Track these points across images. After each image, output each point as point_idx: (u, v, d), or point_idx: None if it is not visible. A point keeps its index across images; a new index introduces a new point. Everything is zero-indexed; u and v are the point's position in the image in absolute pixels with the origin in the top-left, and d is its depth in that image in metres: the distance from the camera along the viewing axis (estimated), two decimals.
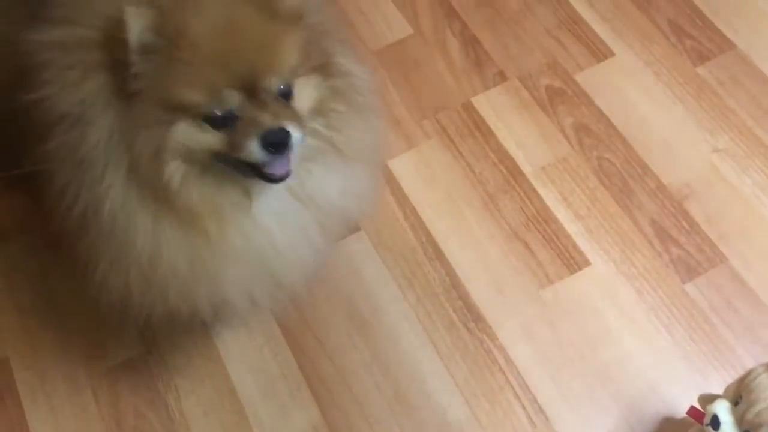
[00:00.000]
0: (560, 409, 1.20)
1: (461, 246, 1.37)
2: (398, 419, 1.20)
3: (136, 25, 0.77)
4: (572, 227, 1.37)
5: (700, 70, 1.54)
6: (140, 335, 1.27)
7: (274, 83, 0.85)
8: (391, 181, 1.43)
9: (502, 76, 1.55)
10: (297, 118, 0.85)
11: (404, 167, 1.46)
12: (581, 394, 1.21)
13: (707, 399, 1.03)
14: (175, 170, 0.84)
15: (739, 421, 0.93)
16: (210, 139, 0.83)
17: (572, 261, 1.34)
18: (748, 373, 0.97)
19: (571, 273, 1.33)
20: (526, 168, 1.44)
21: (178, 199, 0.85)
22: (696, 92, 1.51)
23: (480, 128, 1.49)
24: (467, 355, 1.25)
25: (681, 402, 1.15)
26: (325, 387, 1.23)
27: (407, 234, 1.38)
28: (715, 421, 0.95)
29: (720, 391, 1.04)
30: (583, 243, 1.36)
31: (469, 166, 1.45)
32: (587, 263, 1.34)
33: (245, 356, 1.25)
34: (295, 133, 0.84)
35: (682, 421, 1.16)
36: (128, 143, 0.82)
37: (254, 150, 0.83)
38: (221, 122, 0.83)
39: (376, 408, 1.21)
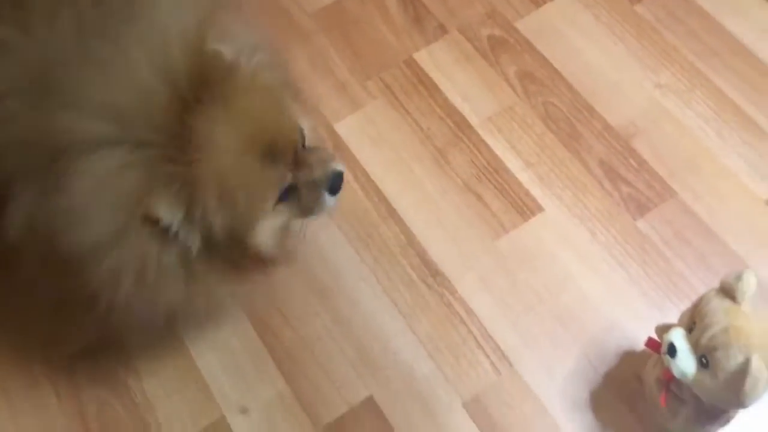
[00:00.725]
0: (523, 354, 1.21)
1: (414, 203, 1.36)
2: (364, 380, 1.20)
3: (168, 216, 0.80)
4: (523, 175, 1.38)
5: (638, 8, 1.54)
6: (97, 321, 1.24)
7: (300, 140, 0.92)
8: (338, 144, 1.42)
9: (442, 30, 1.53)
10: (324, 152, 0.97)
11: (351, 129, 1.44)
12: (542, 337, 1.22)
13: (664, 329, 1.04)
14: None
15: (695, 346, 0.95)
16: (286, 215, 0.94)
17: (525, 208, 1.34)
18: (701, 299, 0.98)
19: (525, 220, 1.33)
20: (474, 120, 1.44)
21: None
22: (636, 31, 1.51)
23: (424, 84, 1.48)
24: (428, 311, 1.25)
25: (640, 336, 1.16)
26: (288, 356, 1.22)
27: (359, 196, 1.37)
28: (672, 349, 0.96)
29: (676, 320, 1.06)
30: (535, 189, 1.36)
31: (416, 123, 1.44)
32: (540, 209, 1.34)
33: (205, 332, 1.23)
34: (339, 165, 0.97)
35: (642, 353, 1.18)
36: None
37: (327, 200, 0.96)
38: (286, 196, 0.91)
39: (342, 372, 1.21)
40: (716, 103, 1.43)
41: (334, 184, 0.95)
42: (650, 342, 1.06)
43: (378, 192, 1.37)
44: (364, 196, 1.37)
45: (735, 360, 0.90)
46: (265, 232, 0.90)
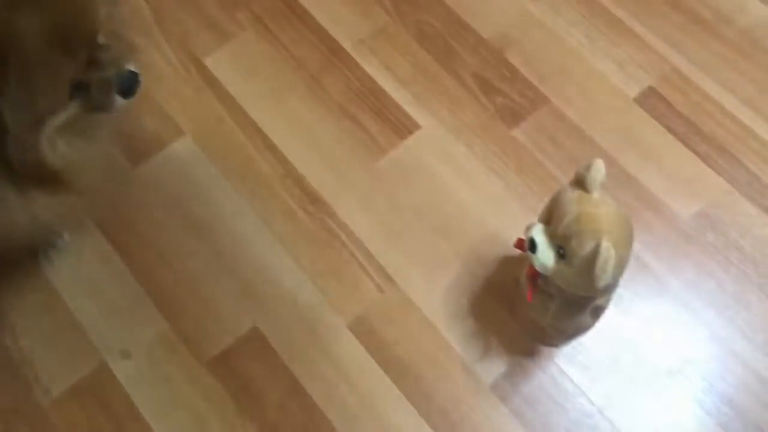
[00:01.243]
0: (407, 271, 1.22)
1: (292, 134, 1.34)
2: (251, 315, 1.19)
3: None
4: (399, 95, 1.36)
5: None
6: None
7: (100, 34, 0.88)
8: (209, 80, 1.38)
9: None
10: (123, 50, 0.93)
11: (222, 64, 1.40)
12: (424, 252, 1.23)
13: (528, 228, 1.05)
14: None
15: (552, 238, 0.96)
16: (72, 111, 0.87)
17: (402, 127, 1.33)
18: (557, 193, 1.00)
19: (403, 139, 1.32)
20: (346, 43, 1.41)
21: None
22: None
23: (294, 11, 1.44)
24: (310, 239, 1.25)
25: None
26: (168, 296, 1.19)
27: (234, 130, 1.34)
28: (532, 245, 0.97)
29: None
30: (411, 108, 1.35)
31: (288, 52, 1.40)
32: (417, 127, 1.33)
33: (80, 281, 1.20)
34: (134, 65, 0.93)
35: (520, 257, 1.20)
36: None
37: (117, 101, 0.92)
38: (77, 93, 0.87)
39: (226, 308, 1.19)
40: (585, 6, 1.43)
41: (126, 85, 0.91)
42: (518, 242, 1.07)
43: (253, 125, 1.34)
44: (240, 132, 1.34)
45: (587, 245, 0.92)
46: (52, 128, 0.85)
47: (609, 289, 1.02)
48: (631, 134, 1.31)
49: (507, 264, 1.21)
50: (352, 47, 1.40)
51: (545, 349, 1.16)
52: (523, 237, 1.07)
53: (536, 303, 1.07)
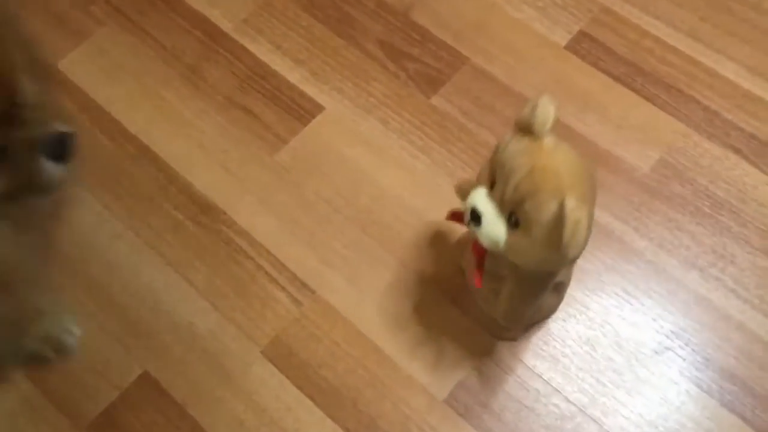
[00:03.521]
0: (327, 277, 1.00)
1: (170, 134, 1.11)
2: (138, 358, 0.94)
3: None
4: (294, 75, 1.15)
5: None
6: None
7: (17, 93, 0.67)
8: (66, 84, 1.14)
9: None
10: (49, 110, 0.72)
11: (79, 66, 1.16)
12: (345, 251, 1.01)
13: (464, 191, 0.85)
14: None
15: (500, 204, 0.76)
16: None
17: (302, 111, 1.12)
18: (497, 147, 0.79)
19: (305, 124, 1.11)
20: (226, 25, 1.20)
21: None
22: None
23: None
24: (204, 254, 1.02)
25: (454, 225, 0.98)
26: None
27: (100, 139, 1.10)
28: (475, 215, 0.77)
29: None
30: (311, 88, 1.14)
31: (158, 43, 1.18)
32: (320, 109, 1.13)
33: None
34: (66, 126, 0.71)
35: (463, 240, 1.00)
36: None
37: (49, 169, 0.69)
38: None
39: (105, 352, 0.95)
40: None
41: (57, 148, 0.70)
42: (452, 215, 0.87)
43: (122, 131, 1.11)
44: (107, 139, 1.10)
45: (547, 207, 0.72)
46: None
47: (573, 262, 0.83)
48: (567, 85, 1.13)
49: (448, 251, 1.01)
50: (233, 29, 1.19)
51: (506, 346, 0.95)
52: (458, 209, 0.87)
53: (485, 290, 0.87)
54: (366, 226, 1.03)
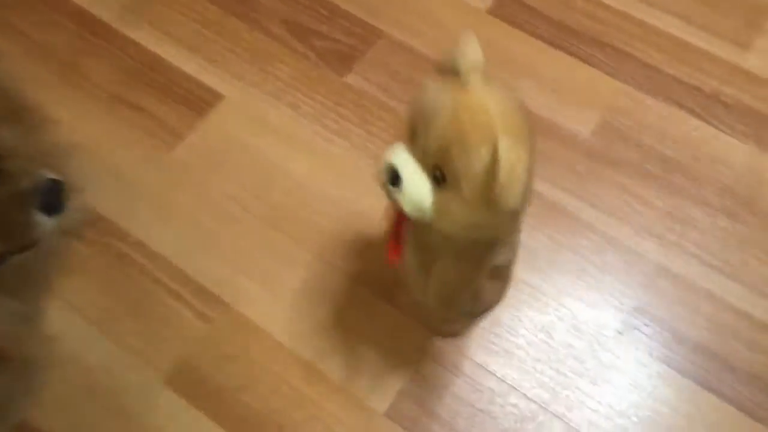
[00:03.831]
0: (238, 285, 0.86)
1: None
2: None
3: None
4: (189, 64, 1.02)
5: None
6: None
7: None
8: None
9: None
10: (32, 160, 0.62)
11: None
12: (259, 256, 0.88)
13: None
14: None
15: (423, 159, 0.63)
16: None
17: (199, 102, 0.99)
18: (416, 96, 0.67)
19: (203, 116, 0.98)
20: (107, 15, 1.06)
21: None
22: None
23: None
24: (92, 274, 0.86)
25: (377, 213, 0.86)
26: None
27: None
28: (393, 175, 0.64)
29: None
30: (208, 77, 1.01)
31: (29, 39, 1.03)
32: (219, 98, 0.99)
33: None
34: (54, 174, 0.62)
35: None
36: None
37: (43, 223, 0.60)
38: None
39: None
40: None
41: (49, 199, 0.60)
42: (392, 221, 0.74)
43: None
44: None
45: (477, 154, 0.60)
46: None
47: (513, 228, 0.71)
48: (495, 52, 1.02)
49: (375, 242, 0.88)
50: (114, 18, 1.05)
51: (451, 343, 0.83)
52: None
53: (412, 271, 0.74)
54: (280, 224, 0.90)
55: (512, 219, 0.65)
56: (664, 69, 1.00)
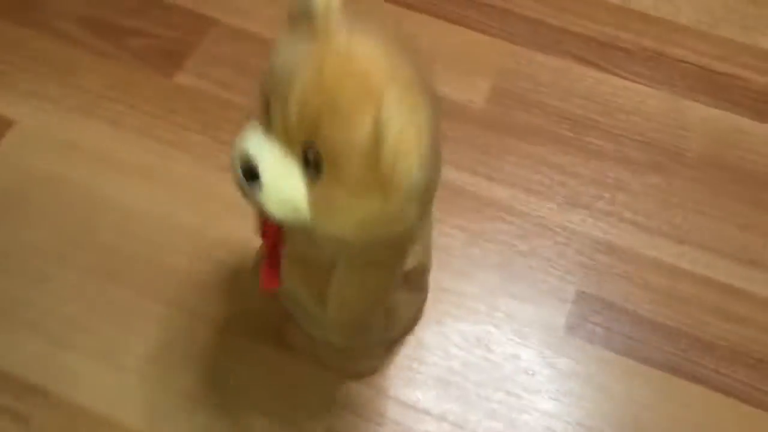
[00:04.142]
0: (62, 362, 0.61)
1: None
2: None
3: None
4: None
5: None
6: None
7: None
8: None
9: None
10: None
11: None
12: (88, 317, 0.64)
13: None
14: None
15: (286, 136, 0.44)
16: None
17: None
18: (266, 69, 0.48)
19: None
20: None
21: None
22: None
23: None
24: None
25: (245, 234, 0.66)
26: None
27: None
28: (249, 168, 0.44)
29: None
30: None
31: None
32: (7, 124, 0.75)
33: None
34: None
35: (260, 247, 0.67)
36: None
37: None
38: None
39: None
40: None
41: None
42: (262, 227, 0.53)
43: None
44: None
45: (359, 122, 0.41)
46: None
47: (422, 217, 0.52)
48: None
49: (248, 274, 0.67)
50: None
51: (367, 383, 0.63)
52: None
53: (298, 297, 0.54)
54: (114, 273, 0.67)
55: (418, 204, 0.46)
56: (548, 21, 0.87)
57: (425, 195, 0.45)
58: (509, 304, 0.68)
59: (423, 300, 0.66)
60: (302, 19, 0.44)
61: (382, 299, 0.55)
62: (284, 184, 0.43)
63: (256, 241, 0.66)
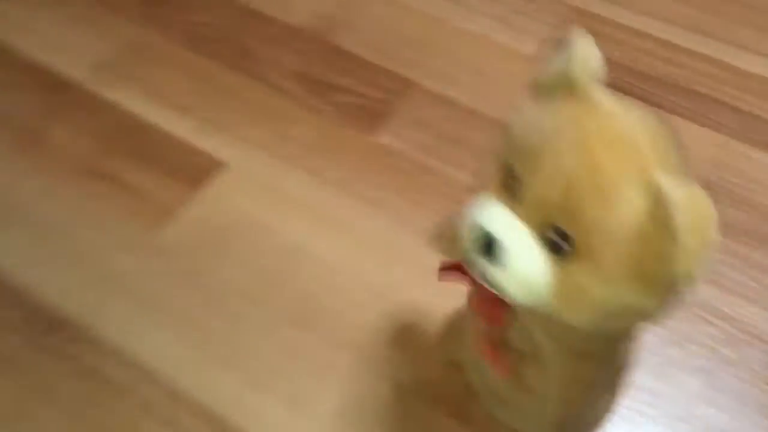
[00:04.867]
0: (254, 403, 0.63)
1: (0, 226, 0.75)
2: None
3: None
4: (180, 127, 0.82)
5: None
6: None
7: None
8: None
9: None
10: None
11: None
12: (279, 360, 0.65)
13: (448, 237, 0.52)
14: None
15: (530, 213, 0.42)
16: None
17: (195, 170, 0.78)
18: (506, 131, 0.47)
19: (198, 188, 0.77)
20: (77, 74, 0.86)
21: None
22: None
23: None
24: (54, 393, 0.63)
25: (437, 302, 0.65)
26: None
27: None
28: (486, 242, 0.43)
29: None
30: (205, 141, 0.81)
31: None
32: (219, 165, 0.79)
33: None
34: None
35: (457, 324, 0.66)
36: None
37: None
38: None
39: None
40: None
41: None
42: (448, 269, 0.53)
43: None
44: None
45: (627, 201, 0.39)
46: None
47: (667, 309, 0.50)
48: None
49: (434, 342, 0.67)
50: (87, 77, 0.86)
51: None
52: (452, 261, 0.53)
53: (504, 381, 0.52)
54: (305, 320, 0.68)
55: (674, 296, 0.44)
56: (762, 115, 0.83)
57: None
58: (707, 411, 0.63)
59: (617, 396, 0.63)
60: (556, 85, 0.43)
61: (593, 396, 0.53)
62: (529, 264, 0.42)
63: (444, 310, 0.66)
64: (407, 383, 0.64)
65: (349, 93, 0.86)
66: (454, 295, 0.57)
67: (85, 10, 0.93)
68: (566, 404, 0.50)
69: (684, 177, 0.40)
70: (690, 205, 0.37)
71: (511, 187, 0.44)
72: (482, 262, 0.43)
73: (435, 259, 0.52)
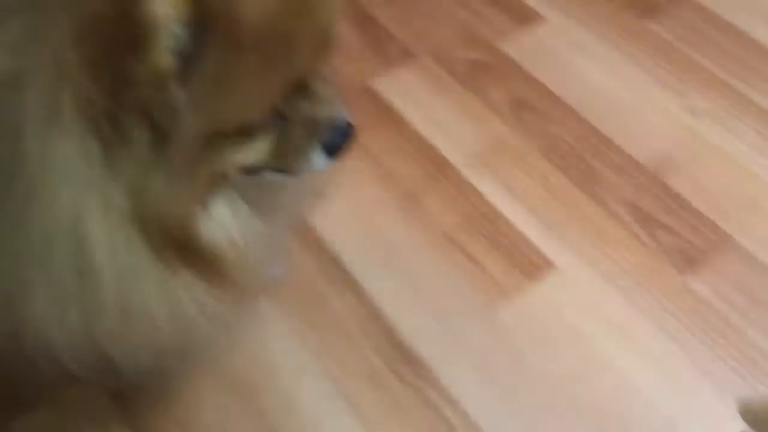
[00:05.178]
0: None
1: (379, 266, 0.98)
2: None
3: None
4: (525, 224, 1.01)
5: (652, 25, 1.24)
6: None
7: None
8: None
9: (406, 54, 1.22)
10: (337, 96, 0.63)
11: None
12: None
13: (758, 418, 0.65)
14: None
15: None
16: (260, 150, 0.58)
17: (532, 265, 0.97)
18: None
19: (533, 280, 0.96)
20: (455, 157, 1.08)
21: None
22: (652, 49, 1.21)
23: (386, 116, 1.14)
24: (401, 414, 0.85)
25: None
26: None
27: (304, 260, 0.99)
28: None
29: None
30: (543, 242, 0.99)
31: (377, 163, 1.08)
32: (550, 266, 0.97)
33: None
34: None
35: None
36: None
37: (316, 159, 0.61)
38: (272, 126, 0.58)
39: None
40: (766, 127, 1.11)
41: (336, 139, 0.60)
42: None
43: (327, 252, 0.99)
44: (312, 263, 0.98)
45: None
46: (232, 157, 0.55)
47: None
48: None
49: None
50: (461, 163, 1.08)
51: None
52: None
53: None
54: (602, 422, 0.84)
55: None
56: None
57: None
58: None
59: None
60: None
61: None
62: None
63: None
64: None
65: (672, 233, 0.99)
66: None
67: (467, 102, 1.15)
68: None
69: None
70: None
71: None
72: None
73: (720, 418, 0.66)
